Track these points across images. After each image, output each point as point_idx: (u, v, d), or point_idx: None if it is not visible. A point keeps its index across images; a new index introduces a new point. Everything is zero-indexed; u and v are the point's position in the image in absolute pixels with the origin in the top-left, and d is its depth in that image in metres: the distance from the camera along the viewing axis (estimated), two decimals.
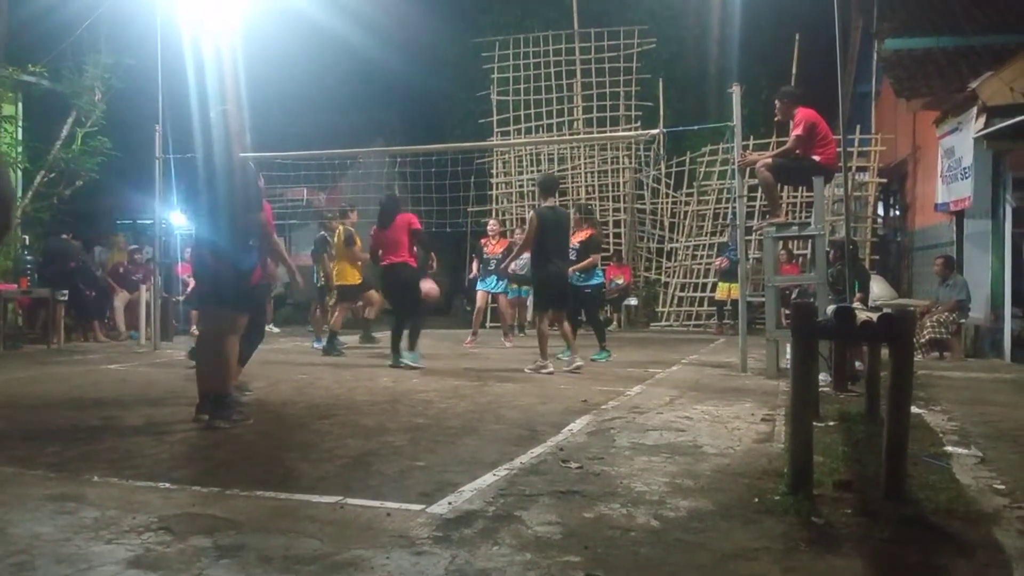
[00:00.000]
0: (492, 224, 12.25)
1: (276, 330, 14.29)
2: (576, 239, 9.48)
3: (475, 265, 12.03)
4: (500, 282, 11.43)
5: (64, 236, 12.21)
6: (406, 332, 8.32)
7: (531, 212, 8.23)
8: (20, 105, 12.48)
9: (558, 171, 16.52)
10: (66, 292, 11.38)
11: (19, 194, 11.96)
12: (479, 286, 11.73)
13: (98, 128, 12.53)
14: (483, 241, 12.05)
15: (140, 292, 12.15)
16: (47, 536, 2.74)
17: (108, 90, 12.53)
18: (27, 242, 12.19)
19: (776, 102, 7.67)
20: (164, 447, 4.31)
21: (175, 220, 12.75)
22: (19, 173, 12.14)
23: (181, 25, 12.31)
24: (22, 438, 4.53)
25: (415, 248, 8.56)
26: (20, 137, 12.34)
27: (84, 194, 13.21)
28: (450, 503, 3.18)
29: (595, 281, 9.66)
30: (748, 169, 8.21)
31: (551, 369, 7.74)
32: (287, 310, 16.22)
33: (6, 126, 11.74)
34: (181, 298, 12.62)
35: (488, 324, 14.10)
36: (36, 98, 12.46)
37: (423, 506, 3.13)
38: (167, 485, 3.46)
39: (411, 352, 8.29)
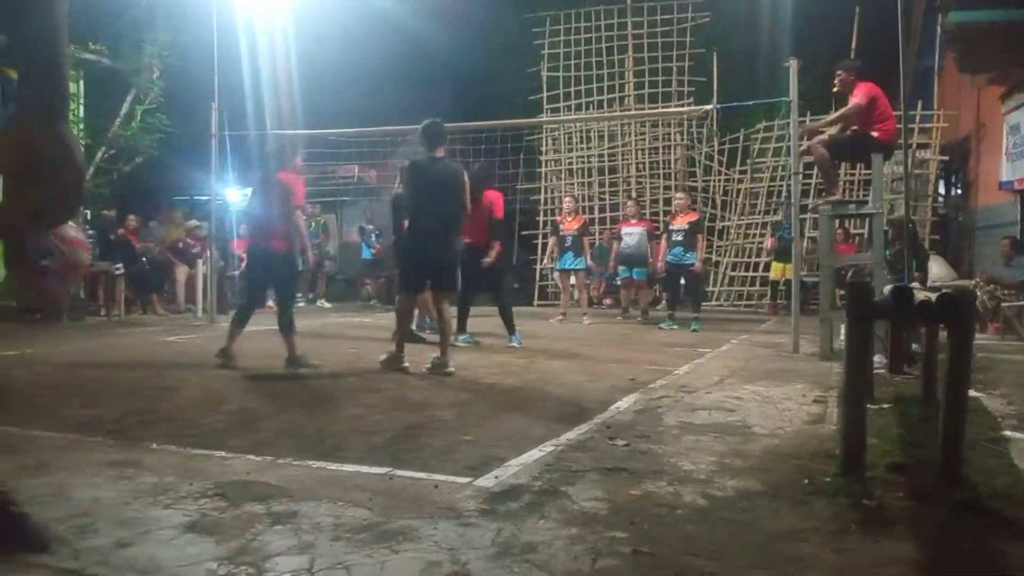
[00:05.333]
0: (568, 201, 12.41)
1: (328, 305, 14.54)
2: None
3: (553, 242, 12.13)
4: (577, 259, 11.56)
5: (105, 212, 12.52)
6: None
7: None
8: (81, 83, 12.79)
9: (608, 148, 16.37)
10: (120, 266, 11.71)
11: None
12: (558, 265, 11.98)
13: (156, 106, 12.80)
14: (559, 218, 12.24)
15: (198, 267, 12.44)
16: (107, 500, 2.83)
17: (165, 68, 12.77)
18: (88, 217, 12.54)
19: (837, 72, 7.45)
20: (220, 417, 4.42)
21: (230, 196, 12.99)
22: (81, 150, 12.48)
23: (237, 3, 12.48)
24: (83, 406, 4.68)
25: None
26: (82, 114, 12.66)
27: (143, 170, 13.53)
28: (497, 477, 3.20)
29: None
30: (804, 146, 8.05)
31: (406, 363, 6.32)
32: (338, 286, 16.43)
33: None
34: (236, 272, 12.90)
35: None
36: (96, 76, 12.76)
37: (470, 479, 3.16)
38: (222, 453, 3.54)
39: (513, 335, 8.20)
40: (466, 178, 6.66)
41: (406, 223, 6.70)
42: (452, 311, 7.18)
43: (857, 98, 7.08)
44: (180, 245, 12.99)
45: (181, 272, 12.88)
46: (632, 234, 11.91)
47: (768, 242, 14.18)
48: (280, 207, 6.33)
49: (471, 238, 8.05)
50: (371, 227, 14.85)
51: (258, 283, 6.86)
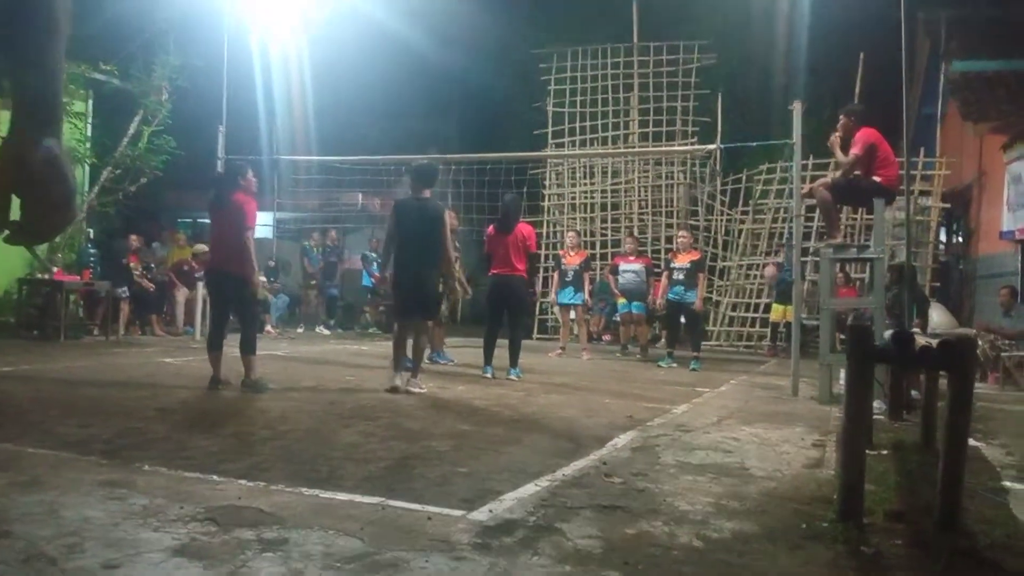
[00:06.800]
0: (571, 236, 12.44)
1: (327, 332, 14.51)
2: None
3: (556, 276, 12.12)
4: (577, 294, 11.55)
5: (133, 238, 12.60)
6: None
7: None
8: (90, 102, 12.90)
9: (611, 184, 16.46)
10: (125, 288, 11.75)
11: (86, 188, 12.36)
12: (559, 299, 11.94)
13: (164, 127, 12.89)
14: (561, 252, 12.26)
15: (198, 289, 12.44)
16: (97, 520, 2.80)
17: (174, 90, 12.88)
18: (91, 235, 12.56)
19: (841, 116, 7.50)
20: (214, 440, 4.39)
21: None
22: (87, 168, 12.54)
23: (247, 29, 12.64)
24: (78, 425, 4.65)
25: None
26: (89, 133, 12.74)
27: (147, 191, 13.58)
28: (491, 511, 3.17)
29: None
30: (806, 189, 8.11)
31: (397, 382, 6.74)
32: (338, 313, 16.40)
33: (76, 122, 12.13)
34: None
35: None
36: (106, 96, 12.86)
37: (464, 512, 3.13)
38: (215, 477, 3.51)
39: (514, 368, 8.22)
40: (448, 218, 7.16)
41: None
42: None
43: (855, 148, 7.14)
44: (184, 267, 13.00)
45: (181, 294, 12.87)
46: (630, 270, 11.94)
47: (769, 270, 14.19)
48: (234, 229, 6.36)
49: (502, 270, 8.27)
50: (373, 255, 14.87)
51: (219, 306, 6.81)
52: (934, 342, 3.56)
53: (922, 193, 14.04)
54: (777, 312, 13.58)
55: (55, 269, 11.17)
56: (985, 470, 4.50)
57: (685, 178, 16.17)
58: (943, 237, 15.46)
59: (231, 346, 6.56)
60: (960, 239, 15.12)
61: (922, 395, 5.50)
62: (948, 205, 14.34)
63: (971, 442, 4.52)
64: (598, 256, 15.68)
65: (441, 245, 7.02)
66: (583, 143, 16.65)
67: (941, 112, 15.17)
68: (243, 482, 3.45)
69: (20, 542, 2.54)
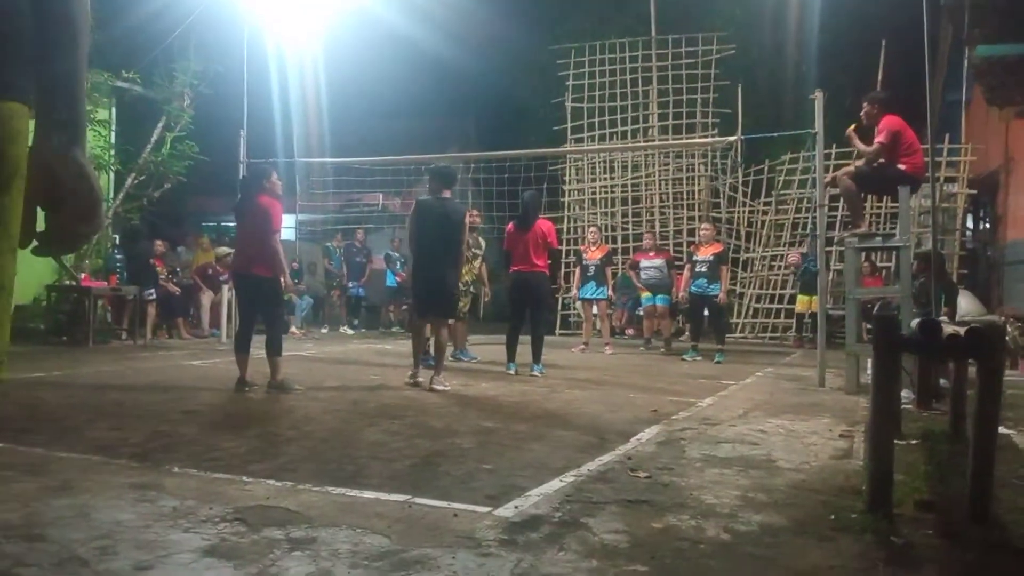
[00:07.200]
0: (592, 231, 12.43)
1: (350, 332, 14.59)
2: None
3: (578, 272, 12.12)
4: (599, 288, 11.53)
5: (159, 243, 12.76)
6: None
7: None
8: (114, 110, 13.06)
9: (632, 179, 16.40)
10: (152, 291, 11.89)
11: (110, 195, 12.51)
12: (581, 294, 11.94)
13: (186, 133, 13.01)
14: (583, 248, 12.26)
15: (223, 292, 12.56)
16: (128, 523, 2.83)
17: (196, 96, 13.00)
18: (117, 241, 12.71)
19: (864, 104, 7.42)
20: (241, 441, 4.43)
21: None
22: (111, 175, 12.69)
23: (266, 34, 12.74)
24: (108, 428, 4.71)
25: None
26: (113, 140, 12.89)
27: (171, 196, 13.72)
28: (516, 507, 3.17)
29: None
30: (830, 178, 8.03)
31: (420, 379, 7.00)
32: (362, 312, 16.50)
33: (100, 130, 12.27)
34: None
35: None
36: (129, 103, 13.02)
37: (489, 508, 3.13)
38: (243, 478, 3.54)
39: (537, 364, 8.23)
40: (467, 219, 7.34)
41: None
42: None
43: (880, 136, 7.05)
44: (209, 271, 13.12)
45: (206, 297, 13.01)
46: (651, 266, 11.92)
47: (792, 257, 14.07)
48: (260, 232, 6.44)
49: (522, 267, 8.32)
50: (397, 254, 14.94)
51: (246, 308, 6.95)
52: (962, 330, 3.51)
53: (948, 180, 13.85)
54: (802, 303, 13.46)
55: (82, 275, 11.31)
56: (1016, 459, 4.44)
57: (706, 170, 16.08)
58: (970, 224, 15.24)
59: (257, 348, 6.63)
60: (988, 226, 14.91)
61: (951, 384, 5.44)
62: (975, 192, 14.14)
63: (1001, 430, 4.47)
64: (620, 250, 15.63)
65: (460, 244, 7.14)
66: (602, 138, 16.59)
67: (966, 98, 14.95)
68: (271, 482, 3.48)
69: (53, 545, 2.58)
